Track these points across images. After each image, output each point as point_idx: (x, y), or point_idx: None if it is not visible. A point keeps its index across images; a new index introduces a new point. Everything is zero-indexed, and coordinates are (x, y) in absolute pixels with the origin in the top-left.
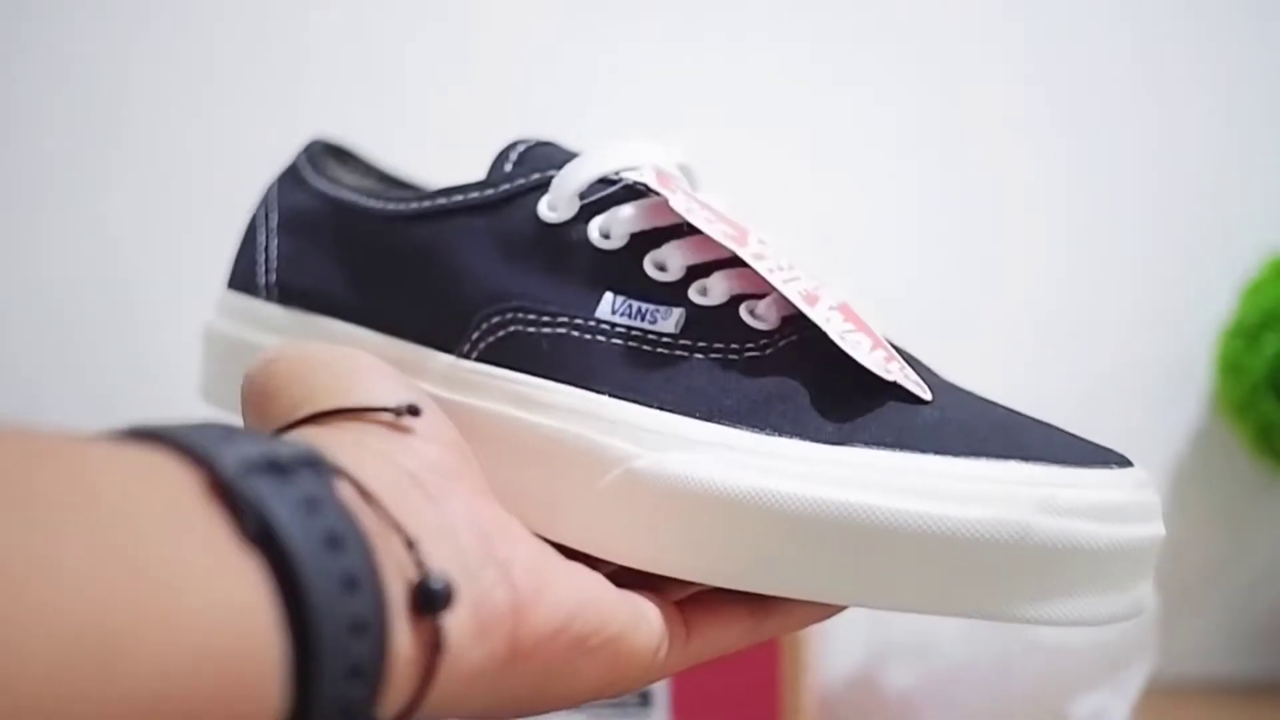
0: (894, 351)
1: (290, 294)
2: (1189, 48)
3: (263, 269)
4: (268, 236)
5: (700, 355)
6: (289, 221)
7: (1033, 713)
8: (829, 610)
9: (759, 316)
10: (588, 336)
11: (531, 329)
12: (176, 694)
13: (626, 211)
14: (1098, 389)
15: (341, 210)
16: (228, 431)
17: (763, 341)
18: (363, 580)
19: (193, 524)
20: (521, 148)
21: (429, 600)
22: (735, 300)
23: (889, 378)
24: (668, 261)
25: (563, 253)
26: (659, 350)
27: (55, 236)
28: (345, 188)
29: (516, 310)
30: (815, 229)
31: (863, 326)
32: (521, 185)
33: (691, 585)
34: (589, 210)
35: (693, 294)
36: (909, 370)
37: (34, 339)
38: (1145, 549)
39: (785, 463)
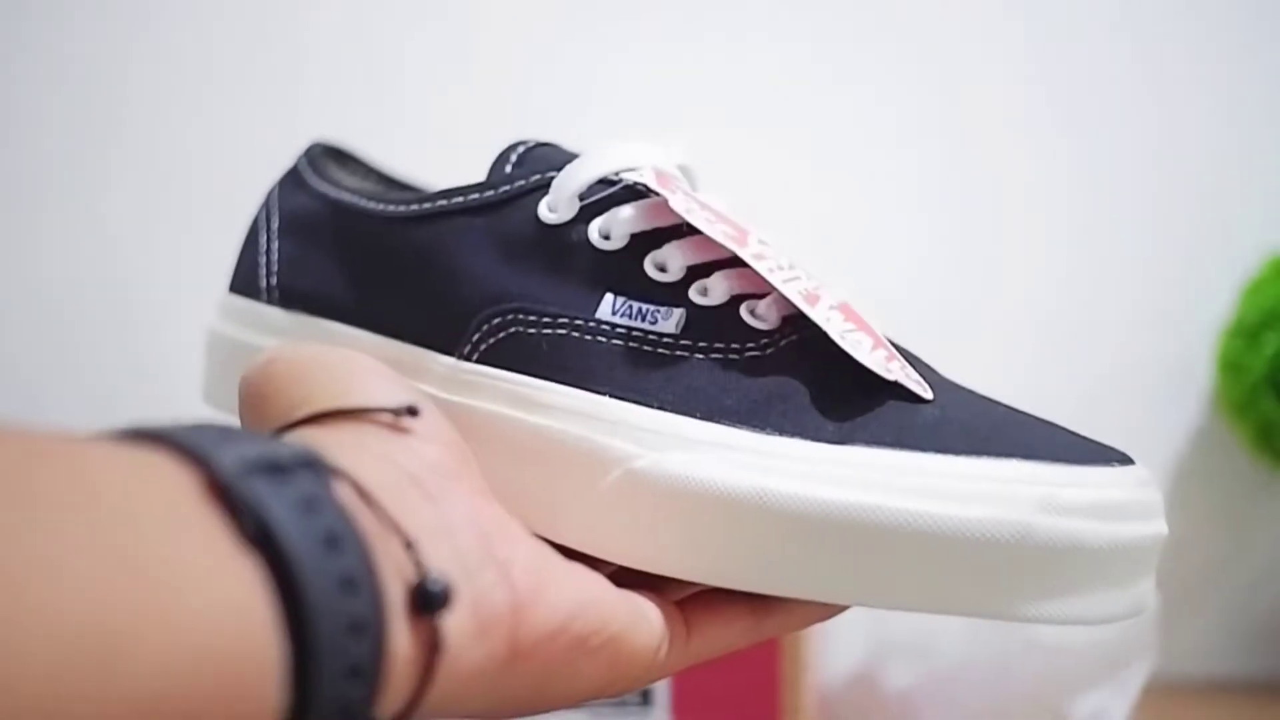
0: (895, 351)
1: (292, 297)
2: (1189, 48)
3: (264, 272)
4: (269, 240)
5: (700, 355)
6: (290, 224)
7: (1033, 712)
8: (830, 610)
9: (759, 316)
10: (588, 337)
11: (532, 330)
12: (176, 694)
13: (626, 212)
14: (1098, 389)
15: (342, 212)
16: (226, 432)
17: (763, 341)
18: (361, 580)
19: (191, 524)
20: (522, 149)
21: (428, 601)
22: (735, 300)
23: (890, 377)
24: (668, 262)
25: (563, 254)
26: (659, 350)
27: (55, 236)
28: (346, 190)
29: (517, 311)
30: (815, 229)
31: (863, 326)
32: (522, 186)
33: (692, 585)
34: (589, 211)
35: (693, 294)
36: (910, 369)
37: (34, 339)
38: (1147, 547)
39: (786, 462)
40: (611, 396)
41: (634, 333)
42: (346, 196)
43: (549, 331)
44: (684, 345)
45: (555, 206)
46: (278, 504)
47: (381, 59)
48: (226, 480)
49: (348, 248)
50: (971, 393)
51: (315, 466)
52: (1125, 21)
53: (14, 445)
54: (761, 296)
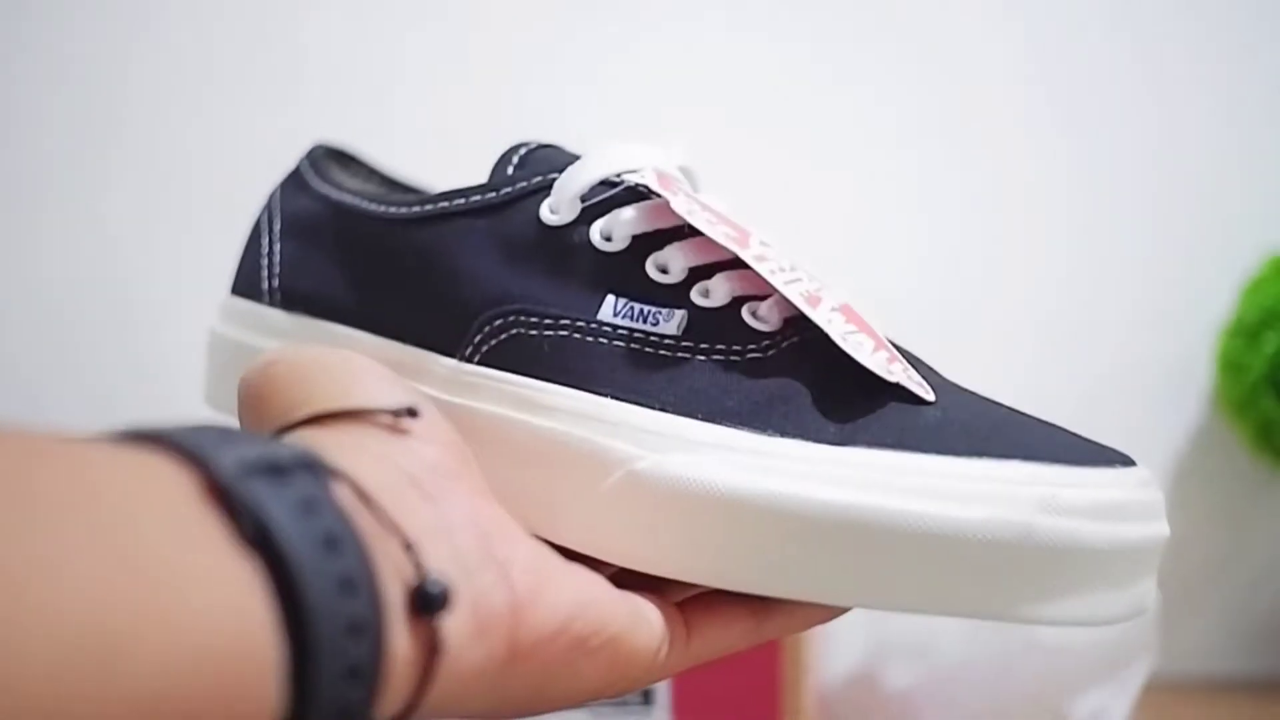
0: (896, 352)
1: (294, 299)
2: (1189, 48)
3: (266, 274)
4: (271, 242)
5: (702, 357)
6: (292, 226)
7: (1033, 712)
8: (831, 611)
9: (761, 318)
10: (589, 339)
11: (533, 332)
12: (176, 694)
13: (628, 214)
14: (1098, 389)
15: (344, 214)
16: (226, 433)
17: (765, 343)
18: (360, 582)
19: (190, 526)
20: (524, 150)
21: (427, 602)
22: (737, 302)
23: (891, 379)
24: (669, 263)
25: (564, 255)
26: (661, 352)
27: (55, 236)
28: (348, 192)
29: (518, 313)
30: (815, 229)
31: (865, 328)
32: (523, 188)
33: (692, 586)
34: (590, 213)
35: (694, 296)
36: (911, 371)
37: (34, 339)
38: (1148, 548)
39: (787, 463)
40: (613, 398)
41: (635, 334)
42: (348, 198)
43: (550, 333)
44: (685, 347)
45: (557, 208)
46: (277, 505)
47: (381, 59)
48: (225, 482)
49: (350, 249)
50: (973, 394)
51: (314, 468)
52: (1125, 21)
53: (14, 446)
54: (763, 298)
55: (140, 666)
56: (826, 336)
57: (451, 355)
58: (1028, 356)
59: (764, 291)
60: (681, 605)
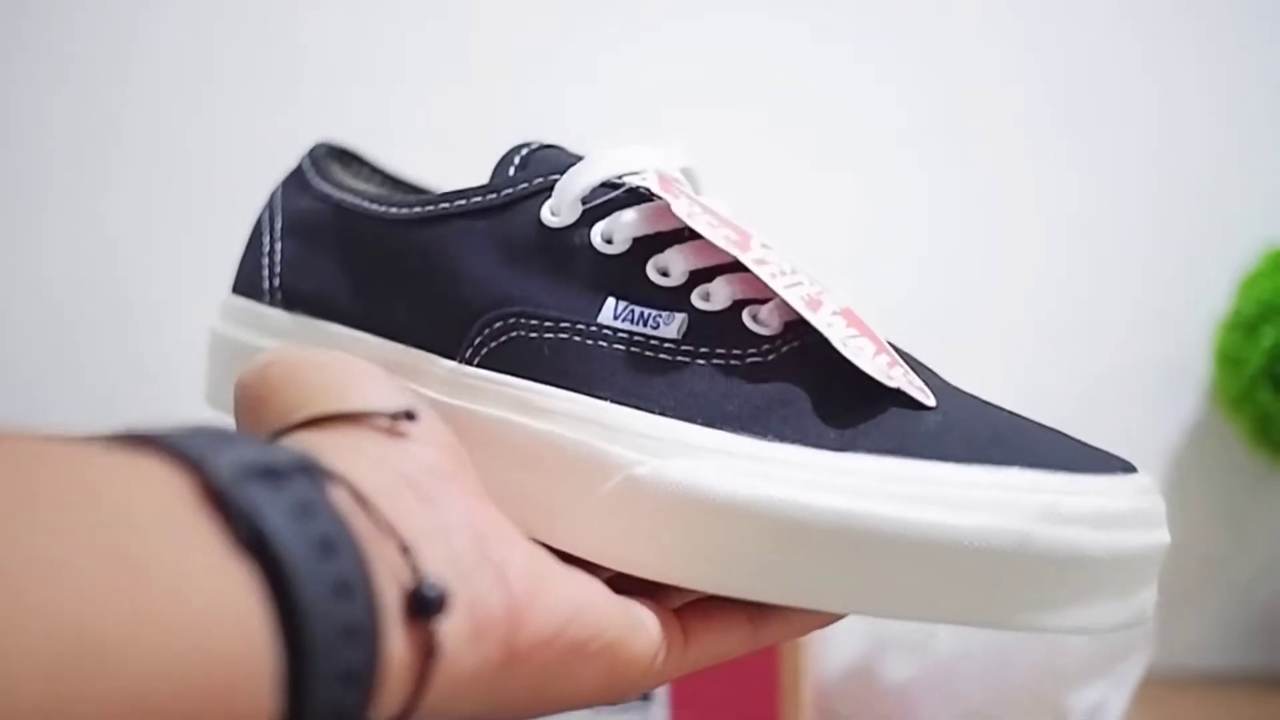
0: (897, 357)
1: (294, 299)
2: (1189, 48)
3: (267, 273)
4: (272, 241)
5: (702, 361)
6: (293, 225)
7: (1031, 705)
8: (827, 618)
9: (761, 322)
10: (589, 342)
11: (533, 334)
12: (172, 695)
13: (629, 216)
14: (1098, 386)
15: (345, 214)
16: (222, 436)
17: (765, 347)
18: (356, 586)
19: (187, 529)
20: (525, 151)
21: (424, 606)
22: (738, 305)
23: (891, 384)
24: (670, 266)
25: (565, 257)
26: (661, 356)
27: (55, 236)
28: (349, 192)
29: (518, 315)
30: (815, 229)
31: (866, 331)
32: (524, 189)
33: (690, 592)
34: (591, 215)
35: (695, 299)
36: (912, 375)
37: (34, 339)
38: (1148, 557)
39: (786, 469)
40: (613, 402)
41: (635, 338)
42: (350, 198)
43: (550, 336)
44: (685, 350)
45: (558, 210)
46: (272, 509)
47: (381, 59)
48: (221, 485)
49: (350, 250)
50: (974, 398)
51: (311, 471)
52: (1125, 21)
53: (13, 448)
54: (764, 301)
55: (137, 667)
56: (827, 341)
57: (451, 357)
58: (1028, 356)
59: (765, 295)
60: (679, 611)
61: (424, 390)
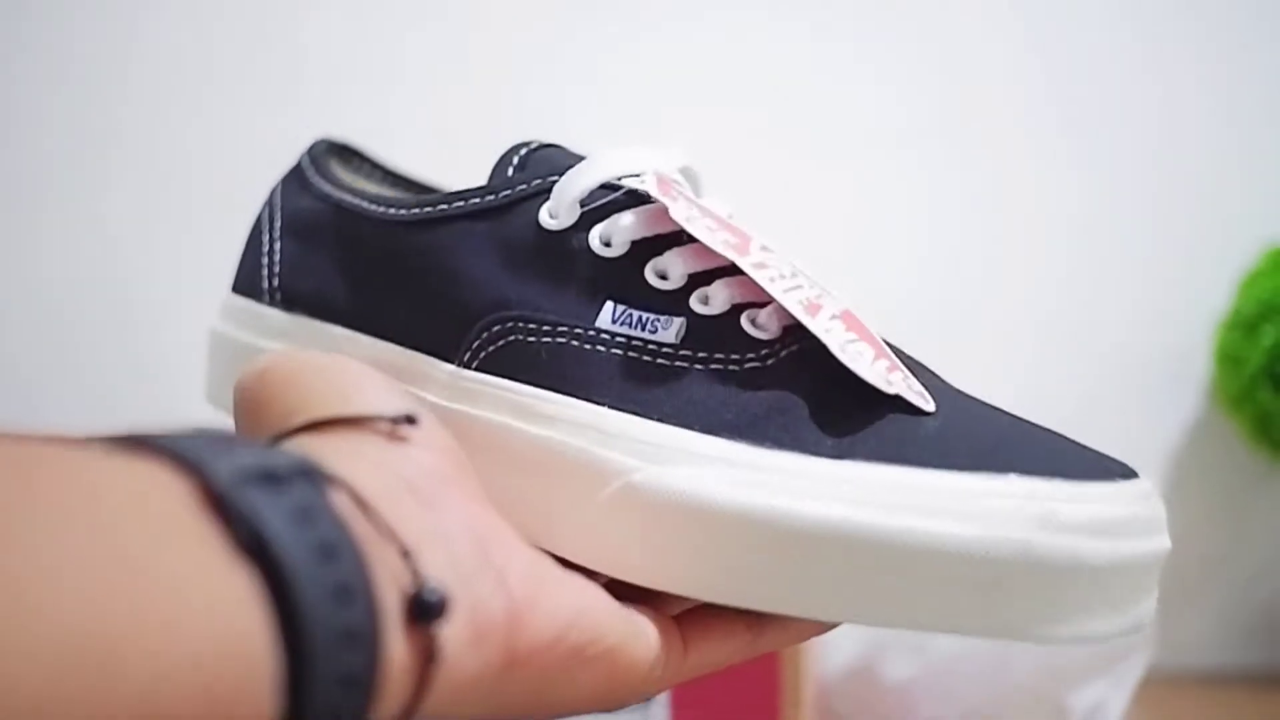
0: (897, 360)
1: (293, 299)
2: (1189, 48)
3: (266, 273)
4: (271, 240)
5: (700, 366)
6: (292, 224)
7: (1031, 705)
8: (826, 625)
9: (760, 326)
10: (587, 346)
11: (531, 338)
12: (172, 698)
13: (627, 219)
14: (1098, 386)
15: (344, 214)
16: (223, 439)
17: (764, 352)
18: (356, 590)
19: (187, 533)
20: (524, 151)
21: (424, 610)
22: (736, 309)
23: (890, 390)
24: (669, 269)
25: (563, 260)
26: (659, 361)
27: (55, 236)
28: (348, 191)
29: (516, 319)
30: (816, 229)
31: (866, 335)
32: (523, 191)
33: (688, 599)
34: (590, 218)
35: (694, 303)
36: (912, 380)
37: (34, 339)
38: (1148, 563)
39: (784, 478)
40: (611, 408)
41: (634, 342)
42: (349, 198)
43: (549, 340)
44: (684, 356)
45: (556, 213)
46: (272, 514)
47: (381, 59)
48: (222, 489)
49: (350, 250)
50: (974, 402)
51: (312, 475)
52: (1125, 21)
53: (13, 451)
54: (763, 305)
55: (137, 670)
56: (825, 345)
57: (450, 360)
58: (1028, 356)
59: (764, 299)
60: (678, 618)
61: (423, 394)
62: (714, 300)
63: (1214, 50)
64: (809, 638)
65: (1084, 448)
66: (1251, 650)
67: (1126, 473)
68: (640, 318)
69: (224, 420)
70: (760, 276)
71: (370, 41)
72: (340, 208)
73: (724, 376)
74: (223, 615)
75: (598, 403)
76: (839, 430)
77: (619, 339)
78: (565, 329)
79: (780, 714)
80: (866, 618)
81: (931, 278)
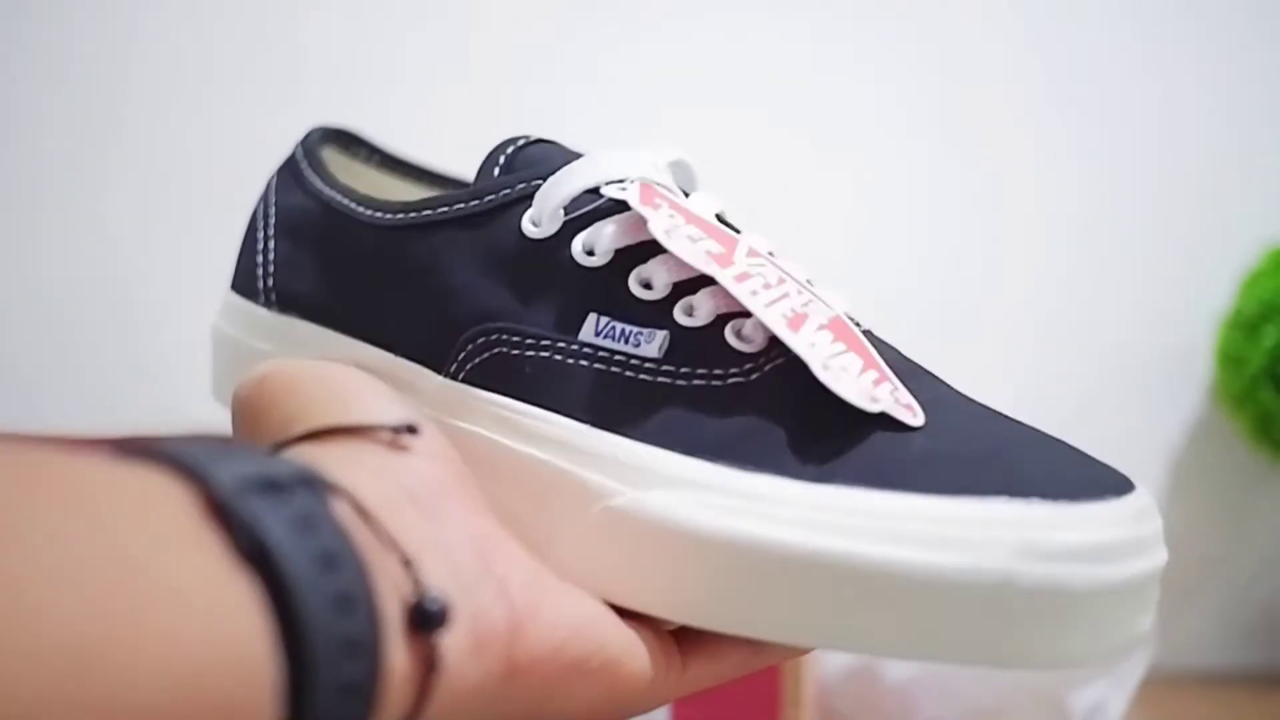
0: (887, 370)
1: (288, 301)
2: (1189, 48)
3: (262, 273)
4: (266, 239)
5: (683, 382)
6: (285, 222)
7: (1031, 705)
8: None
9: (745, 338)
10: (570, 360)
11: (515, 351)
12: (173, 705)
13: (610, 227)
14: (1098, 386)
15: (333, 215)
16: (224, 447)
17: (747, 366)
18: (357, 600)
19: (189, 541)
20: (511, 149)
21: (425, 619)
22: (721, 320)
23: (875, 409)
24: (653, 278)
25: (547, 271)
26: (641, 378)
27: (55, 236)
28: (338, 189)
29: (500, 331)
30: (815, 229)
31: (855, 344)
32: (507, 196)
33: None
34: (573, 226)
35: (678, 314)
36: (901, 391)
37: (34, 339)
38: (1142, 584)
39: (763, 504)
40: (593, 425)
41: (616, 357)
42: (338, 197)
43: (532, 354)
44: (666, 372)
45: (538, 220)
46: (274, 522)
47: (381, 59)
48: (223, 497)
49: (340, 253)
50: (967, 408)
51: (313, 484)
52: (1125, 21)
53: (14, 455)
54: (748, 315)
55: (137, 675)
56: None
57: (439, 371)
58: (1028, 356)
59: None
60: (677, 633)
61: (415, 404)
62: (699, 311)
63: (1214, 50)
64: (811, 650)
65: (1079, 457)
66: (1251, 650)
67: (1121, 487)
68: (623, 330)
69: (229, 418)
70: (742, 290)
71: (370, 41)
72: (329, 207)
73: (706, 393)
74: (223, 622)
75: (579, 419)
76: (821, 450)
77: (601, 353)
78: (549, 342)
79: (780, 713)
80: (850, 645)
81: (931, 277)
